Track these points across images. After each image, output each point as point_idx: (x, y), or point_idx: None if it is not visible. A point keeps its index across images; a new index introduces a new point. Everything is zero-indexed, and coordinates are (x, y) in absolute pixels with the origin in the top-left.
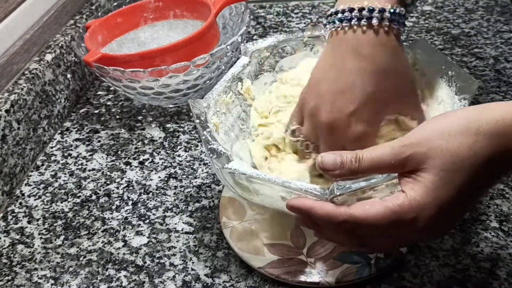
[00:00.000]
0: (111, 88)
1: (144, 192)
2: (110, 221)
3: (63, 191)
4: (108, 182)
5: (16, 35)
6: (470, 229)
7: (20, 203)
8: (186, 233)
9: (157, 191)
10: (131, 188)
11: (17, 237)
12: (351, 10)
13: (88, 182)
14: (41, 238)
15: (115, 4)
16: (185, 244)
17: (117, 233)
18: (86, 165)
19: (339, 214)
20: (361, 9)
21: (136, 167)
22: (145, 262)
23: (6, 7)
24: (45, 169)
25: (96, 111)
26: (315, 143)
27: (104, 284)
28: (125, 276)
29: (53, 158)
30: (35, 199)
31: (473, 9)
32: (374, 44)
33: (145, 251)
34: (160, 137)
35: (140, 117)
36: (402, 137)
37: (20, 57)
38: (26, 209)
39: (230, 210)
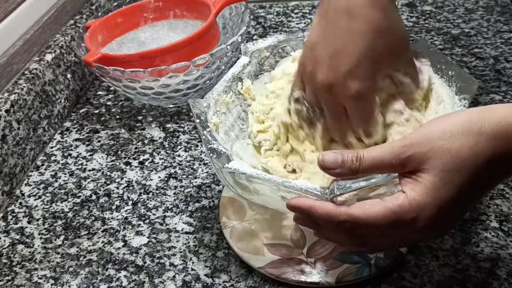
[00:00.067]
0: (111, 88)
1: (144, 192)
2: (110, 221)
3: (63, 191)
4: (108, 182)
5: (16, 35)
6: (470, 229)
7: (20, 203)
8: (186, 233)
9: (157, 191)
10: (131, 188)
11: (17, 237)
12: None
13: (88, 182)
14: (41, 238)
15: (115, 4)
16: (185, 244)
17: (117, 233)
18: (86, 165)
19: (339, 213)
20: None
21: (136, 167)
22: (145, 262)
23: (6, 7)
24: (45, 169)
25: (96, 111)
26: (319, 107)
27: (104, 284)
28: (125, 276)
29: (53, 158)
30: (35, 199)
31: (473, 9)
32: (365, 4)
33: (145, 251)
34: (160, 137)
35: (140, 117)
36: (403, 137)
37: (20, 57)
38: (26, 209)
39: (230, 210)
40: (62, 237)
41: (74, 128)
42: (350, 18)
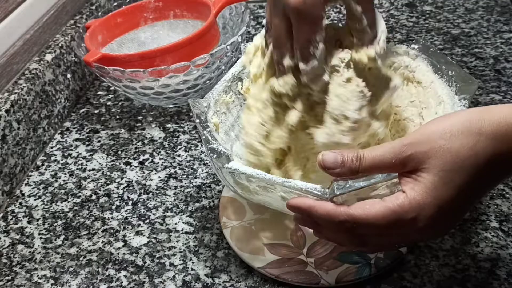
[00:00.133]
0: (111, 88)
1: (144, 192)
2: (110, 221)
3: (63, 191)
4: (108, 182)
5: (16, 35)
6: (470, 229)
7: (20, 203)
8: (186, 233)
9: (157, 191)
10: (131, 188)
11: (17, 237)
12: None
13: (88, 182)
14: (41, 238)
15: (115, 4)
16: (185, 244)
17: (117, 233)
18: (86, 165)
19: (339, 213)
20: None
21: (136, 167)
22: (145, 262)
23: (6, 7)
24: (45, 169)
25: (96, 111)
26: (287, 35)
27: (104, 284)
28: (125, 276)
29: (53, 158)
30: (35, 199)
31: (473, 9)
32: None
33: (145, 251)
34: (160, 137)
35: (140, 117)
36: (403, 137)
37: (20, 57)
38: (26, 209)
39: (230, 210)
40: (62, 237)
41: (74, 128)
42: None
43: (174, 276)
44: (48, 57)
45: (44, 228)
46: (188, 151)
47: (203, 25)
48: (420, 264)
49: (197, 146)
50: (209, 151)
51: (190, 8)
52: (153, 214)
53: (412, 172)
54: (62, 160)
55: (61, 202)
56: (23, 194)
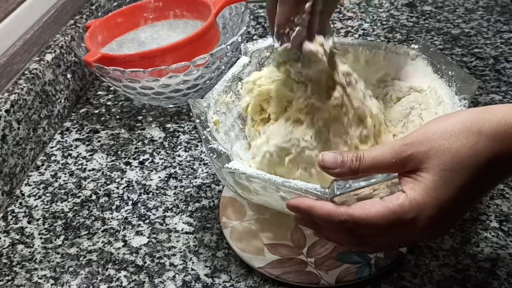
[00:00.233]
0: (111, 88)
1: (144, 192)
2: (110, 221)
3: (63, 191)
4: (108, 182)
5: (16, 35)
6: (470, 229)
7: (20, 203)
8: (186, 233)
9: (157, 191)
10: (131, 188)
11: (17, 237)
12: None
13: (88, 182)
14: (41, 238)
15: (115, 4)
16: (185, 244)
17: (117, 233)
18: (86, 165)
19: (339, 213)
20: None
21: (136, 167)
22: (145, 262)
23: (6, 7)
24: (45, 169)
25: (96, 111)
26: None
27: (104, 284)
28: (125, 276)
29: (53, 158)
30: (35, 199)
31: (473, 9)
32: None
33: (145, 251)
34: (160, 137)
35: (140, 117)
36: (403, 137)
37: (20, 57)
38: (26, 209)
39: (230, 210)
40: (62, 237)
41: (74, 128)
42: None
43: (174, 276)
44: (48, 57)
45: (44, 228)
46: (188, 151)
47: (203, 25)
48: (420, 264)
49: (197, 146)
50: (209, 151)
51: (190, 8)
52: (153, 214)
53: (412, 172)
54: (62, 160)
55: (61, 202)
56: (23, 194)
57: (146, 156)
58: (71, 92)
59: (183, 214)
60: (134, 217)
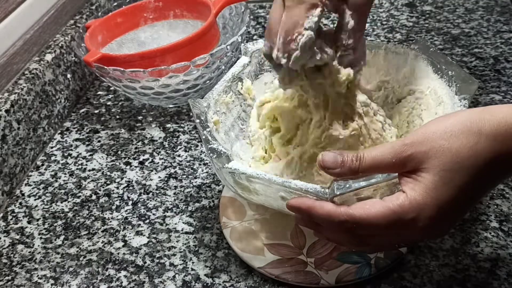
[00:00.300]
0: (111, 88)
1: (144, 192)
2: (110, 221)
3: (63, 191)
4: (108, 182)
5: (16, 35)
6: (470, 229)
7: (20, 203)
8: (186, 233)
9: (157, 191)
10: (131, 188)
11: (17, 237)
12: None
13: (88, 182)
14: (41, 238)
15: (115, 4)
16: (185, 244)
17: (117, 233)
18: (86, 165)
19: (339, 214)
20: None
21: (136, 167)
22: (145, 262)
23: (6, 7)
24: (45, 169)
25: (96, 111)
26: None
27: (104, 284)
28: (125, 276)
29: (53, 158)
30: (35, 199)
31: (473, 9)
32: None
33: (145, 251)
34: (160, 137)
35: (140, 117)
36: (403, 137)
37: (20, 57)
38: (26, 209)
39: (230, 210)
40: (62, 237)
41: (74, 128)
42: None
43: (174, 276)
44: (48, 57)
45: (44, 228)
46: (188, 151)
47: (203, 25)
48: (420, 264)
49: (197, 146)
50: (209, 151)
51: (190, 8)
52: (153, 214)
53: (412, 172)
54: (62, 160)
55: (61, 202)
56: (23, 194)
57: (146, 156)
58: (71, 92)
59: (183, 214)
60: (134, 217)
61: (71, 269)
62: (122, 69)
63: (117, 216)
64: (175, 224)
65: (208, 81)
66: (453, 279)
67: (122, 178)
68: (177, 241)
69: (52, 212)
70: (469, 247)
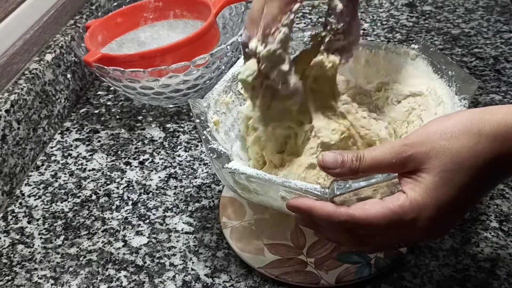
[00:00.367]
0: (111, 88)
1: (144, 192)
2: (110, 221)
3: (63, 191)
4: (108, 182)
5: (16, 35)
6: (470, 229)
7: (20, 203)
8: (186, 233)
9: (157, 191)
10: (131, 188)
11: (17, 237)
12: None
13: (88, 182)
14: (41, 238)
15: (115, 4)
16: (185, 244)
17: (117, 233)
18: (86, 165)
19: (339, 214)
20: None
21: (136, 167)
22: (145, 262)
23: (6, 7)
24: (45, 169)
25: (96, 111)
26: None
27: (104, 284)
28: (125, 276)
29: (53, 158)
30: (35, 199)
31: (473, 9)
32: None
33: (145, 251)
34: (160, 137)
35: (140, 117)
36: (403, 137)
37: (20, 57)
38: (26, 209)
39: (230, 210)
40: (62, 237)
41: (74, 128)
42: None
43: (174, 276)
44: (48, 57)
45: (44, 228)
46: (188, 151)
47: (203, 25)
48: (420, 264)
49: (197, 146)
50: (209, 151)
51: (190, 8)
52: (153, 214)
53: (412, 173)
54: (62, 160)
55: (61, 202)
56: (23, 194)
57: (146, 156)
58: (71, 92)
59: (183, 214)
60: (134, 217)
61: (71, 269)
62: (122, 69)
63: (117, 216)
64: (175, 224)
65: (208, 81)
66: (453, 279)
67: (122, 178)
68: (177, 241)
69: (52, 212)
70: (469, 247)
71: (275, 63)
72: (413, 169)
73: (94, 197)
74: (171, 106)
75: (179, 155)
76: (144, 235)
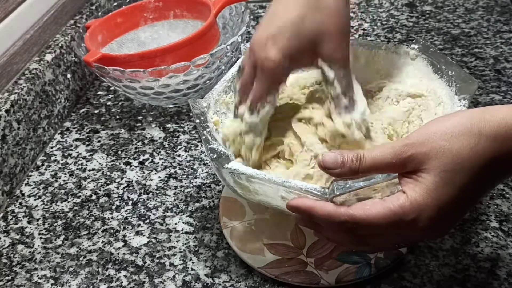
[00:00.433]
0: (111, 88)
1: (144, 192)
2: (110, 221)
3: (63, 191)
4: (108, 182)
5: (16, 35)
6: (470, 229)
7: (20, 203)
8: (186, 233)
9: (157, 191)
10: (131, 188)
11: (17, 237)
12: None
13: (88, 182)
14: (41, 238)
15: (115, 4)
16: (185, 244)
17: (117, 233)
18: (86, 165)
19: (339, 214)
20: None
21: (136, 167)
22: (145, 262)
23: (6, 7)
24: (45, 169)
25: (96, 111)
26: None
27: (104, 284)
28: (125, 276)
29: (53, 158)
30: (35, 199)
31: (473, 9)
32: None
33: (145, 251)
34: (160, 137)
35: (140, 117)
36: (403, 137)
37: (20, 57)
38: (26, 209)
39: (230, 210)
40: (62, 237)
41: (74, 128)
42: None
43: (174, 276)
44: (48, 57)
45: (44, 228)
46: (188, 151)
47: (203, 25)
48: (420, 264)
49: (197, 146)
50: (209, 151)
51: (190, 8)
52: (153, 214)
53: (413, 173)
54: (62, 160)
55: (61, 202)
56: (23, 194)
57: (146, 156)
58: (71, 92)
59: (183, 214)
60: (134, 217)
61: (71, 269)
62: (122, 69)
63: (117, 216)
64: (175, 224)
65: (208, 81)
66: (453, 279)
67: (122, 178)
68: (177, 241)
69: (52, 212)
70: (469, 247)
71: (252, 131)
72: (413, 169)
73: (94, 197)
74: (171, 106)
75: (179, 155)
76: (144, 235)
